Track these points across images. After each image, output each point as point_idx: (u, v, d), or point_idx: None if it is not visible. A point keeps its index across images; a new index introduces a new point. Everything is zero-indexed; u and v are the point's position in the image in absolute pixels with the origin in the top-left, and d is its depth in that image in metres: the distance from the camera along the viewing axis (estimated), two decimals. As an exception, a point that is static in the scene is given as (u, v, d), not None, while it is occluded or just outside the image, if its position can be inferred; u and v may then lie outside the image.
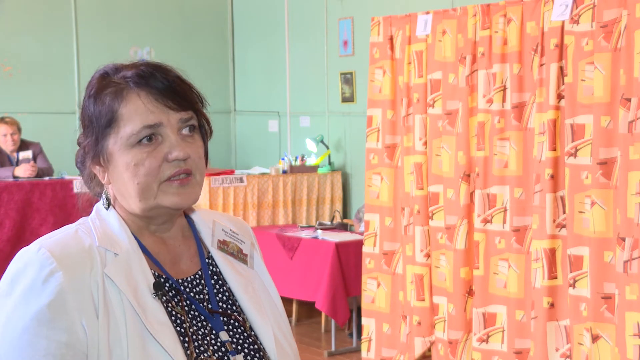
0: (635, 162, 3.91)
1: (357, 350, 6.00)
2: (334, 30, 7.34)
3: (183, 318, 1.46)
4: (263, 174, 7.06)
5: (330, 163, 7.28)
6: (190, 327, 1.45)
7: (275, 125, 8.14)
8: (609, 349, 4.04)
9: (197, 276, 1.53)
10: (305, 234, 6.34)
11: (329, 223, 6.68)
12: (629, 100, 3.92)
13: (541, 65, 4.33)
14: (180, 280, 1.50)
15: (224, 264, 1.57)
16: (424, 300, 4.98)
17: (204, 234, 1.58)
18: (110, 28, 8.04)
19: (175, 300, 1.47)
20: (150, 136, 1.44)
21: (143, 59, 1.54)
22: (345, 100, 7.27)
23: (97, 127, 1.46)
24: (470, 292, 4.75)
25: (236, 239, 1.61)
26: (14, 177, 6.77)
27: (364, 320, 5.35)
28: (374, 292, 5.28)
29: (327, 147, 7.30)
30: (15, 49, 7.67)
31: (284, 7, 7.92)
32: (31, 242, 1.45)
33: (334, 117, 7.42)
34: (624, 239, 3.94)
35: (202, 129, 1.52)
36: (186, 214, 1.59)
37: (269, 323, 1.53)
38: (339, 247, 5.97)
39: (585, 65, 4.12)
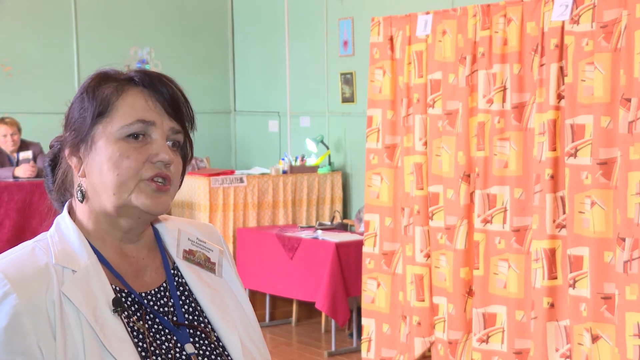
0: (635, 162, 3.91)
1: (357, 350, 6.00)
2: (334, 30, 7.34)
3: (145, 333, 1.43)
4: (263, 174, 7.05)
5: (330, 163, 7.27)
6: (153, 342, 1.42)
7: (275, 126, 8.14)
8: (608, 349, 4.04)
9: (161, 288, 1.50)
10: (305, 234, 6.34)
11: (329, 223, 6.68)
12: (629, 100, 3.92)
13: (541, 65, 4.33)
14: (143, 294, 1.47)
15: (190, 274, 1.54)
16: (423, 301, 4.98)
17: (169, 244, 1.55)
18: (110, 28, 8.04)
19: (138, 315, 1.44)
20: (139, 135, 1.43)
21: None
22: (345, 100, 7.26)
23: (88, 115, 1.44)
24: (470, 293, 4.75)
25: (203, 247, 1.57)
26: (14, 177, 6.77)
27: (364, 321, 5.35)
28: (374, 292, 5.28)
29: (327, 147, 7.29)
30: (15, 49, 7.66)
31: (284, 7, 7.91)
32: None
33: (334, 117, 7.42)
34: (624, 239, 3.94)
35: (185, 151, 1.51)
36: (152, 223, 1.56)
37: (237, 334, 1.51)
38: (339, 247, 5.97)
39: (585, 66, 4.12)
